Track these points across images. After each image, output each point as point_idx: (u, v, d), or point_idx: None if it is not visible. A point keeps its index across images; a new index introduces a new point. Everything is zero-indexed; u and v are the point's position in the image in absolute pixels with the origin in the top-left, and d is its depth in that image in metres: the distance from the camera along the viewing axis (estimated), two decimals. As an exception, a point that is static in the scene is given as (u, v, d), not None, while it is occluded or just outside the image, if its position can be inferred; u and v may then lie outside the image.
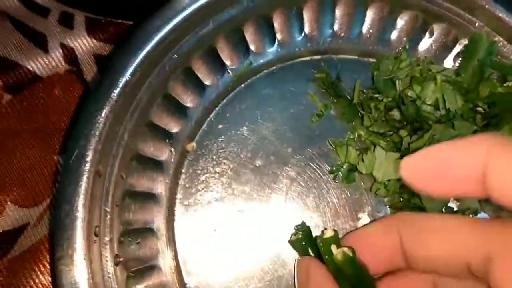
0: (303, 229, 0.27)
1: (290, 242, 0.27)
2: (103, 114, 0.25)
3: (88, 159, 0.24)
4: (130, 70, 0.26)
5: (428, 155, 0.21)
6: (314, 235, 0.27)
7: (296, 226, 0.28)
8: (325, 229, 0.25)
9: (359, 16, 0.31)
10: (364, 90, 0.32)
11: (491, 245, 0.20)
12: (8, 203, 0.29)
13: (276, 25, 0.31)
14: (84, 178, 0.24)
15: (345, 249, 0.23)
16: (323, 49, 0.32)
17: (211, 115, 0.31)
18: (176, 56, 0.28)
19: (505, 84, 0.29)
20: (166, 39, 0.27)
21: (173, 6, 0.27)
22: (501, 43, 0.30)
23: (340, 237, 0.25)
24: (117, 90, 0.25)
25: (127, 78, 0.25)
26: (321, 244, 0.24)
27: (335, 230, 0.24)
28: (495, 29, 0.30)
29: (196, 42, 0.29)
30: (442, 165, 0.20)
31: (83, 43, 0.33)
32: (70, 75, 0.32)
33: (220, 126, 0.31)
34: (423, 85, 0.28)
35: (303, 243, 0.26)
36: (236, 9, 0.29)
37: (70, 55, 0.33)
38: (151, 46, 0.26)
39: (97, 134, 0.25)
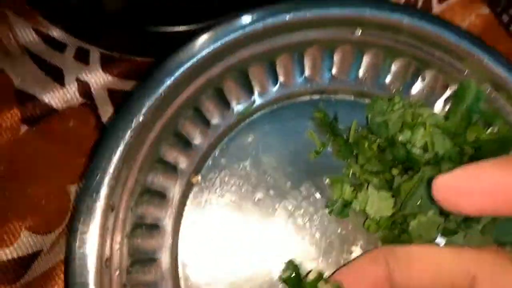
0: (292, 266, 0.29)
1: (281, 278, 0.29)
2: (117, 153, 0.27)
3: (102, 194, 0.26)
4: (143, 110, 0.28)
5: (464, 174, 0.22)
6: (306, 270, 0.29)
7: (285, 263, 0.30)
8: (310, 271, 0.27)
9: (356, 61, 0.34)
10: (360, 129, 0.34)
11: (472, 268, 0.22)
12: (23, 229, 0.31)
13: (279, 68, 0.33)
14: (98, 213, 0.26)
15: (331, 284, 0.25)
16: (322, 90, 0.34)
17: (216, 150, 0.33)
18: (185, 97, 0.30)
19: (489, 129, 0.31)
20: (177, 82, 0.29)
21: (186, 50, 0.30)
22: (488, 90, 0.32)
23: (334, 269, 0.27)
24: (131, 130, 0.27)
25: (141, 119, 0.28)
26: (307, 286, 0.26)
27: (319, 272, 0.26)
28: (482, 77, 0.32)
29: (204, 83, 0.31)
30: (479, 183, 0.22)
31: (97, 78, 0.35)
32: (85, 108, 0.34)
33: (224, 160, 0.33)
34: (413, 130, 0.31)
35: (293, 281, 0.28)
36: (243, 53, 0.31)
37: (85, 89, 0.35)
38: (163, 89, 0.28)
39: (111, 171, 0.27)
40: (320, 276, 0.26)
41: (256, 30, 0.31)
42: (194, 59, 0.29)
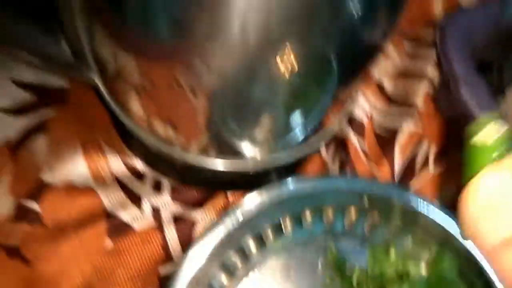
0: None
1: None
2: (184, 281, 0.38)
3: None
4: (208, 252, 0.39)
5: None
6: None
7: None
8: None
9: (361, 219, 0.45)
10: (362, 270, 0.44)
11: None
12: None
13: (303, 220, 0.44)
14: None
15: None
16: (334, 236, 0.45)
17: (250, 275, 0.43)
18: (233, 242, 0.41)
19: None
20: (230, 232, 0.40)
21: (237, 209, 0.41)
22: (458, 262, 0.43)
23: None
24: (197, 264, 0.39)
25: (205, 258, 0.39)
26: None
27: None
28: (455, 248, 0.43)
29: (246, 229, 0.42)
30: None
31: (167, 205, 0.47)
32: (155, 230, 0.46)
33: (255, 283, 0.43)
34: (400, 283, 0.41)
35: None
36: (279, 209, 0.43)
37: (156, 214, 0.46)
38: (221, 238, 0.40)
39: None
40: None
41: (292, 194, 0.42)
42: (243, 217, 0.41)
